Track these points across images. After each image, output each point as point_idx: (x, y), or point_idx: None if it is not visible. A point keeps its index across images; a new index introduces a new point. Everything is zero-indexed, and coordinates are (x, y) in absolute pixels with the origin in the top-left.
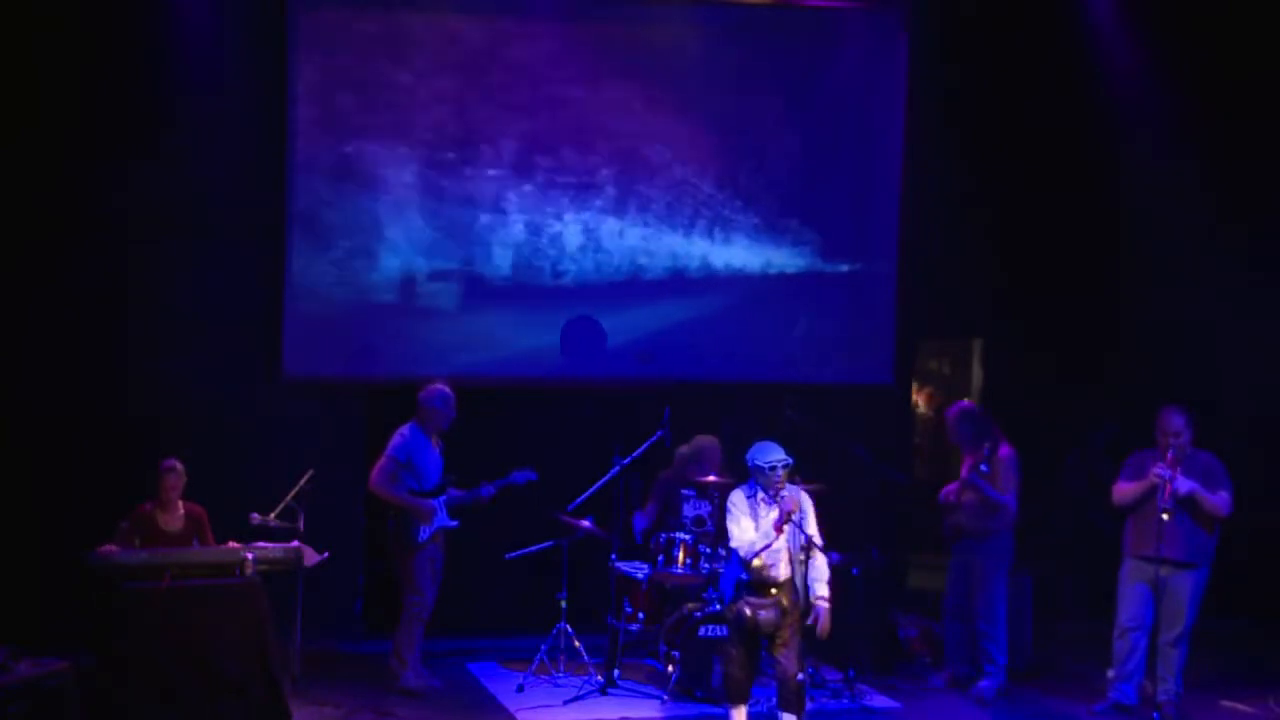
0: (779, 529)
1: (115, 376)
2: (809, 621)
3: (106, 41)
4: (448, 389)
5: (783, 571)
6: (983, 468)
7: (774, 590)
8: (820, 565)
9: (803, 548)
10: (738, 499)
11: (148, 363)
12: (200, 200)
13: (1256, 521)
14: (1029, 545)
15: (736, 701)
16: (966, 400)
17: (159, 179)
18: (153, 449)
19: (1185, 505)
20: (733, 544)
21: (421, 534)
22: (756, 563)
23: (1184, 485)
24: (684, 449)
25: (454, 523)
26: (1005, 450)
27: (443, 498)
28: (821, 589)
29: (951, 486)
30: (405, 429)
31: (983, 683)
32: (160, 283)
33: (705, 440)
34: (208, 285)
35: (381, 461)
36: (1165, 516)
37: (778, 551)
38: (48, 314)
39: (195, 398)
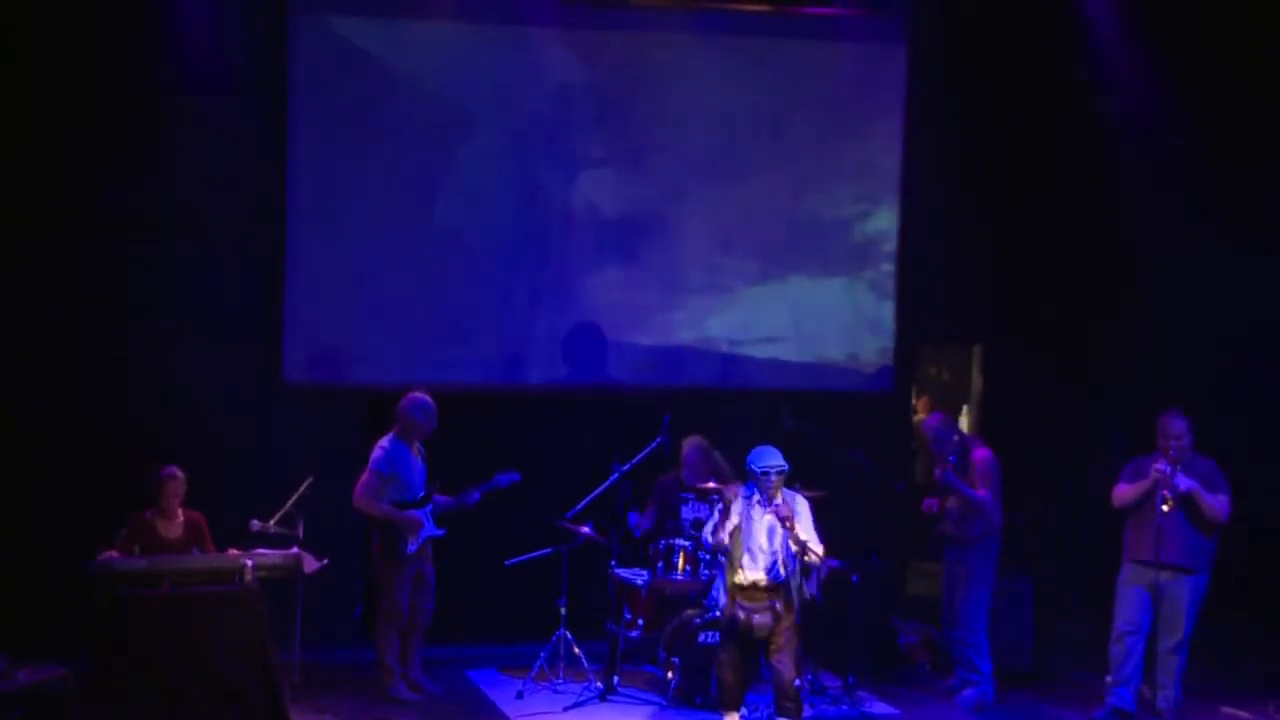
0: (789, 528)
1: (115, 381)
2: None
3: (106, 40)
4: (429, 399)
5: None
6: (949, 472)
7: (767, 594)
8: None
9: (795, 553)
10: (732, 497)
11: (147, 367)
12: (200, 200)
13: (1256, 524)
14: (1029, 547)
15: (729, 708)
16: (935, 413)
17: (159, 179)
18: (152, 455)
19: (1184, 505)
20: (704, 532)
21: (410, 547)
22: (752, 570)
23: (1184, 482)
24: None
25: (440, 532)
26: (982, 452)
27: (429, 507)
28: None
29: (932, 500)
30: (385, 441)
31: (967, 692)
32: (160, 284)
33: (687, 441)
34: (208, 288)
35: (365, 477)
36: (1165, 508)
37: (773, 554)
38: (47, 315)
39: (195, 403)
